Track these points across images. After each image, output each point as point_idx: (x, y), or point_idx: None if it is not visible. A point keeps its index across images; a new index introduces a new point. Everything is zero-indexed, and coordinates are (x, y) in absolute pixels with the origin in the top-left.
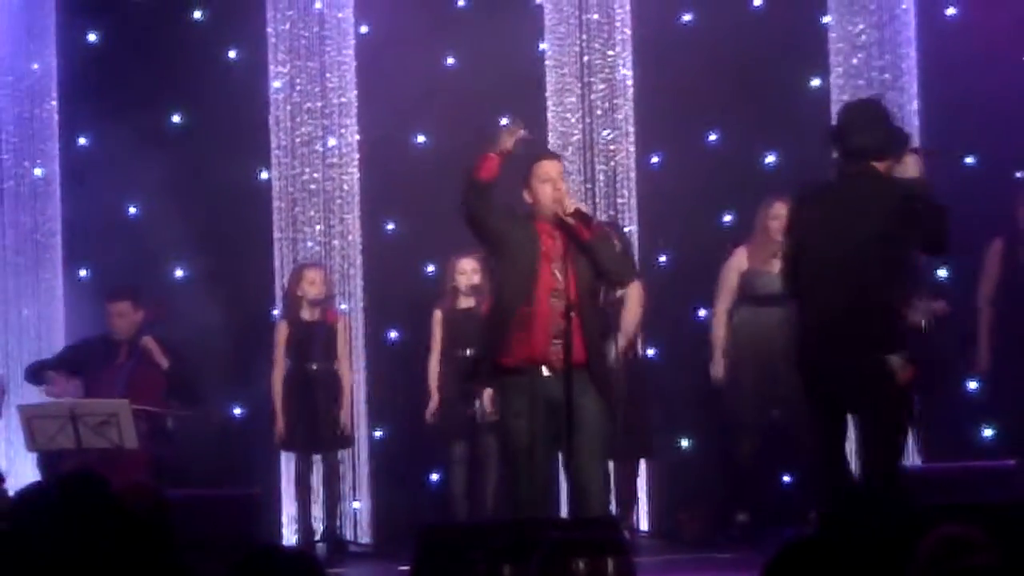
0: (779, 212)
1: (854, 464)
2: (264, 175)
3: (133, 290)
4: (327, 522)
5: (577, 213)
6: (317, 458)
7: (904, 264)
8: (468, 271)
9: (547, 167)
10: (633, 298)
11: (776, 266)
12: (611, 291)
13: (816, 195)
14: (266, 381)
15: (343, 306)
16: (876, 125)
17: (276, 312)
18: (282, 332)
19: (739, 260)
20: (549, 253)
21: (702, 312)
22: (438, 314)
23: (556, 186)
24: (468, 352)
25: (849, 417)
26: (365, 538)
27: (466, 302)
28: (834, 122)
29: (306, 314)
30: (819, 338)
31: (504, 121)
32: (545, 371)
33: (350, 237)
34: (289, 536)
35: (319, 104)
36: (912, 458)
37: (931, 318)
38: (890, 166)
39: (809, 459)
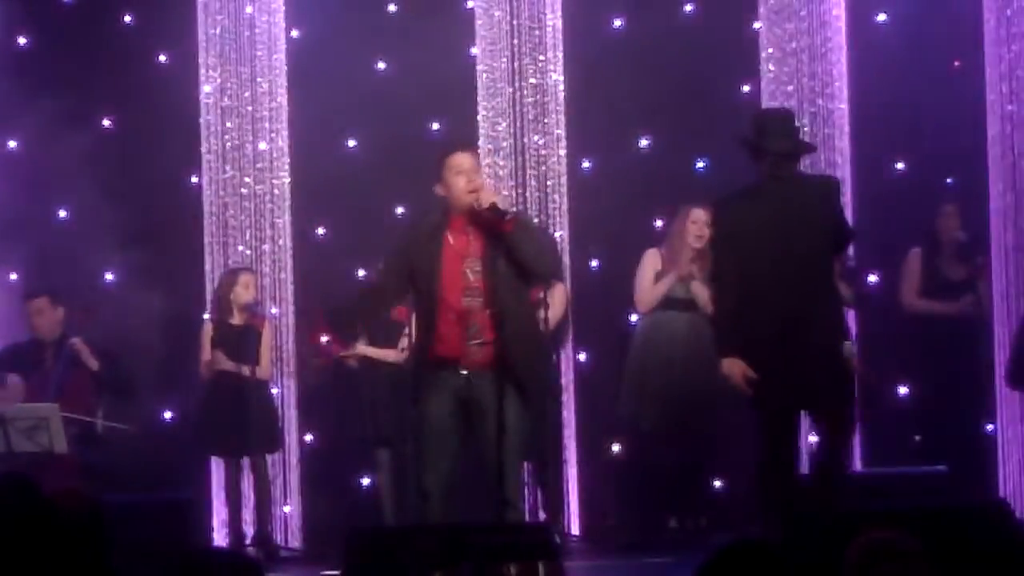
0: (697, 217)
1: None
2: (195, 179)
3: (49, 287)
4: (257, 526)
5: (492, 207)
6: (246, 463)
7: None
8: None
9: (459, 159)
10: (557, 297)
11: (687, 270)
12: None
13: (749, 200)
14: (197, 385)
15: (274, 310)
16: (795, 130)
17: (206, 316)
18: (207, 332)
19: (654, 260)
20: (461, 251)
21: (633, 317)
22: None
23: (470, 178)
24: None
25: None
26: (295, 542)
27: None
28: (752, 127)
29: (235, 319)
30: (782, 340)
31: None
32: (463, 371)
33: (281, 241)
34: (220, 541)
35: (250, 108)
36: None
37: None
38: None
39: (759, 462)
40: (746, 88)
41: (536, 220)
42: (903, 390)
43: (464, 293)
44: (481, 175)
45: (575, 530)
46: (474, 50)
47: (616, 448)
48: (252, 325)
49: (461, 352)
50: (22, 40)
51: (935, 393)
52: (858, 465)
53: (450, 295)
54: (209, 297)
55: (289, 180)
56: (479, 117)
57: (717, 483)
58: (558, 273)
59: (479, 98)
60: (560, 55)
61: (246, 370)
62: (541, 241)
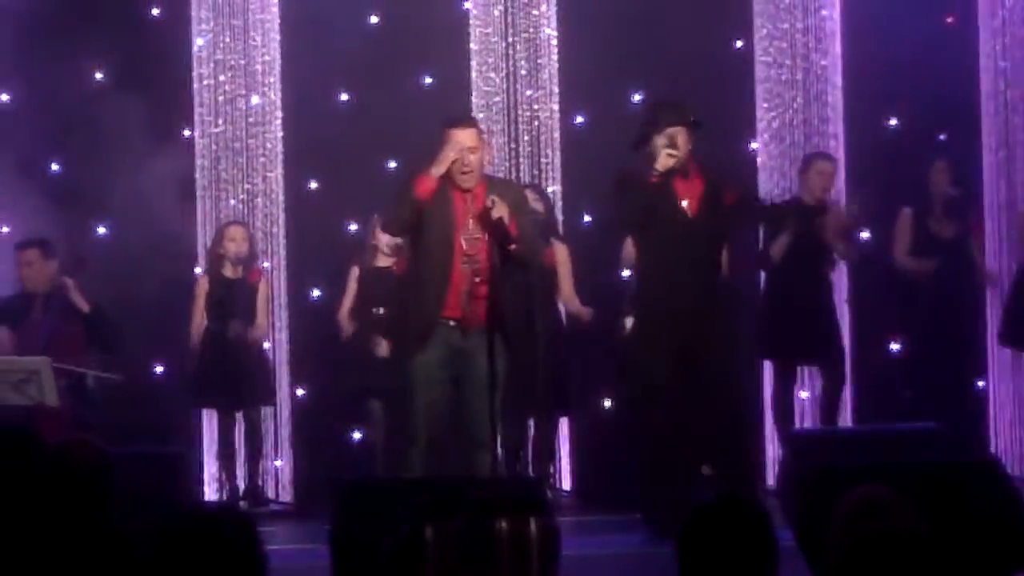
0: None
1: None
2: (187, 133)
3: (42, 240)
4: (248, 480)
5: (499, 222)
6: (238, 416)
7: None
8: None
9: (459, 136)
10: (563, 266)
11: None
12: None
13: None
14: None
15: (265, 264)
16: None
17: (198, 270)
18: (202, 287)
19: None
20: (463, 222)
21: (626, 272)
22: (355, 270)
23: (464, 160)
24: (379, 310)
25: None
26: (286, 496)
27: (384, 261)
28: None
29: (228, 272)
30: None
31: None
32: (453, 325)
33: (273, 195)
34: (210, 495)
35: (242, 62)
36: (844, 419)
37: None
38: None
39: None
40: (739, 43)
41: (529, 177)
42: (895, 346)
43: (463, 260)
44: (484, 150)
45: (567, 485)
46: (467, 4)
47: (607, 404)
48: (248, 279)
49: (457, 311)
50: None
51: (926, 349)
52: (849, 421)
53: (456, 262)
54: (201, 252)
55: (281, 134)
56: (472, 72)
57: None
58: (539, 254)
59: (472, 52)
60: (554, 9)
61: (235, 327)
62: (533, 248)
